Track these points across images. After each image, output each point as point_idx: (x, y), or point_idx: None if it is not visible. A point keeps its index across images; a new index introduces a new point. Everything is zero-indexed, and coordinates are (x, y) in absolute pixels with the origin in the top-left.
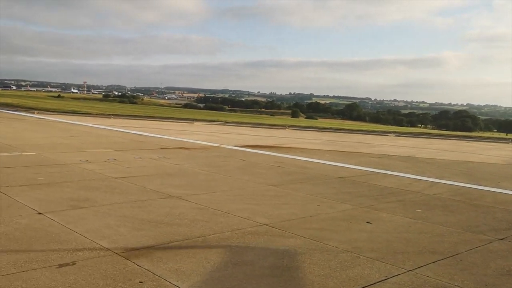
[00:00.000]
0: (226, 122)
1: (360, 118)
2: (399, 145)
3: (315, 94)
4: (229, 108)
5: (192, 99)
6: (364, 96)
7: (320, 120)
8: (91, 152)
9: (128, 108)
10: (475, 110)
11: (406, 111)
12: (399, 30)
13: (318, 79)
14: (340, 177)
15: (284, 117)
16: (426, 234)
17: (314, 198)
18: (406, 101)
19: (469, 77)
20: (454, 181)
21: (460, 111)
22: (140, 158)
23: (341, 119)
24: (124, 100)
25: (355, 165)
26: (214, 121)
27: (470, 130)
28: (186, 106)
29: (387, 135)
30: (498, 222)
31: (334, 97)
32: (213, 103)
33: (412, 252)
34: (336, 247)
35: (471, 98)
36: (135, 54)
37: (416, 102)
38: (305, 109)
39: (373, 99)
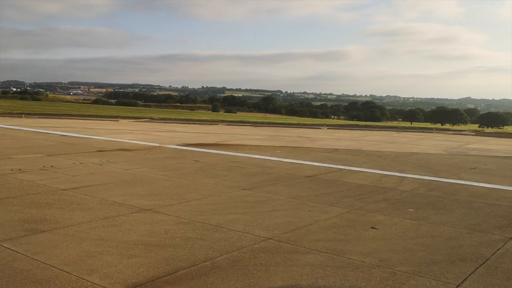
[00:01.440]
0: (152, 119)
1: (276, 111)
2: (339, 138)
3: (227, 87)
4: (143, 103)
5: (100, 94)
6: (275, 89)
7: (240, 113)
8: (19, 159)
9: (36, 105)
10: (377, 100)
11: (317, 103)
12: (307, 25)
13: (231, 72)
14: (308, 176)
15: (202, 111)
16: (439, 238)
17: (298, 202)
18: (315, 93)
19: (371, 69)
20: (418, 175)
21: (367, 102)
22: (81, 163)
23: (258, 112)
24: (26, 97)
25: (312, 161)
26: (139, 118)
27: (379, 120)
28: (96, 102)
29: (321, 128)
30: (494, 219)
31: (246, 90)
32: (125, 99)
33: (442, 261)
34: (362, 261)
35: (373, 89)
36: (35, 47)
37: (325, 94)
38: (221, 102)
39: (284, 91)
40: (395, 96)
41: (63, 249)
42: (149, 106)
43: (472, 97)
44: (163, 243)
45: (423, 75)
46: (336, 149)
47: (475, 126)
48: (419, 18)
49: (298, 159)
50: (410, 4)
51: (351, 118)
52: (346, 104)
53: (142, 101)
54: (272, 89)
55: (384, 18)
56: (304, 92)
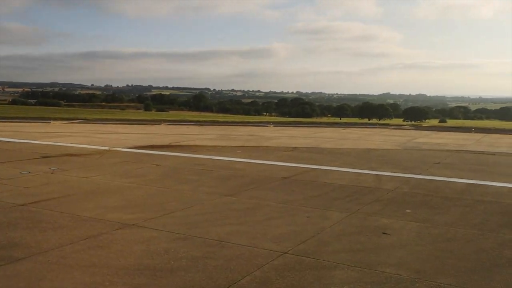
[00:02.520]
0: (87, 120)
1: (207, 108)
2: (291, 136)
3: (154, 85)
4: (66, 103)
5: (16, 94)
6: (203, 87)
7: (172, 112)
8: None
9: None
10: (304, 97)
11: (247, 100)
12: (234, 22)
13: (157, 70)
14: (284, 177)
15: (132, 110)
16: (457, 241)
17: (291, 208)
18: (244, 90)
19: (297, 66)
20: (391, 172)
21: (296, 99)
22: (29, 172)
23: (190, 110)
24: None
25: (279, 161)
26: (72, 119)
27: (309, 116)
28: (14, 102)
29: (267, 126)
30: (493, 216)
31: (173, 88)
32: (46, 98)
33: (479, 269)
34: (399, 274)
35: (299, 86)
36: None
37: (253, 91)
38: (150, 101)
39: (212, 89)
40: (320, 93)
41: (53, 281)
42: (73, 106)
43: (391, 93)
44: (170, 266)
45: (346, 72)
46: (295, 147)
47: (400, 120)
48: (342, 17)
49: (264, 160)
50: (332, 3)
51: (283, 115)
52: (276, 100)
53: (64, 100)
54: (200, 87)
55: (308, 16)
56: (232, 90)
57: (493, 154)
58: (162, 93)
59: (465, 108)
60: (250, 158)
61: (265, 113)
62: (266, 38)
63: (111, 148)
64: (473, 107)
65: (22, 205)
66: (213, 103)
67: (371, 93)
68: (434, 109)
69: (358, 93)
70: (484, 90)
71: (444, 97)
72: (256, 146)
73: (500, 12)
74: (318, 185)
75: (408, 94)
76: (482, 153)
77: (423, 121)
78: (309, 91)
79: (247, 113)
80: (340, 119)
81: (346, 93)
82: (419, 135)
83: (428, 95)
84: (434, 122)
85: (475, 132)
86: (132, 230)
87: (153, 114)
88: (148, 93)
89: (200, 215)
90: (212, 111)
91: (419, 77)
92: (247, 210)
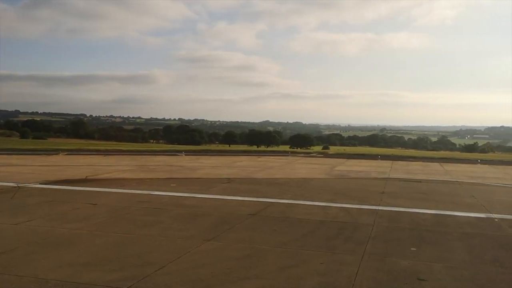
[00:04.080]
0: None
1: (88, 136)
2: (213, 166)
3: (21, 110)
4: None
5: None
6: (78, 112)
7: (52, 139)
8: None
9: None
10: (187, 124)
11: (129, 127)
12: (113, 47)
13: (25, 94)
14: (251, 214)
15: (7, 138)
16: (500, 284)
17: (294, 252)
18: (123, 116)
19: (179, 93)
20: (351, 204)
21: (183, 126)
22: None
23: (68, 137)
24: None
25: (226, 195)
26: None
27: (198, 143)
28: None
29: (180, 155)
30: (496, 251)
31: (44, 113)
32: None
33: None
34: None
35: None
36: None
37: (133, 117)
38: (19, 128)
39: (88, 115)
40: (203, 120)
41: None
42: None
43: (270, 120)
44: None
45: (227, 100)
46: (228, 178)
47: (287, 147)
48: (222, 46)
49: (208, 194)
50: (214, 33)
51: (171, 142)
52: (161, 127)
53: None
54: (75, 113)
55: (190, 45)
56: (111, 116)
57: (419, 181)
58: (35, 119)
59: (339, 135)
60: (192, 192)
61: (152, 140)
62: (148, 64)
63: (20, 184)
64: (344, 134)
65: None
66: (93, 130)
67: (252, 120)
68: (313, 136)
69: (239, 120)
70: (352, 119)
71: (318, 125)
72: (186, 178)
73: (364, 50)
74: (294, 222)
75: (286, 122)
76: (409, 180)
77: (309, 147)
78: (192, 118)
79: (133, 140)
80: (229, 146)
81: (228, 120)
82: (334, 163)
83: (303, 123)
84: (318, 148)
85: (382, 160)
86: None
87: (38, 143)
88: (15, 119)
89: (201, 268)
90: (94, 138)
91: (295, 106)
92: (249, 259)
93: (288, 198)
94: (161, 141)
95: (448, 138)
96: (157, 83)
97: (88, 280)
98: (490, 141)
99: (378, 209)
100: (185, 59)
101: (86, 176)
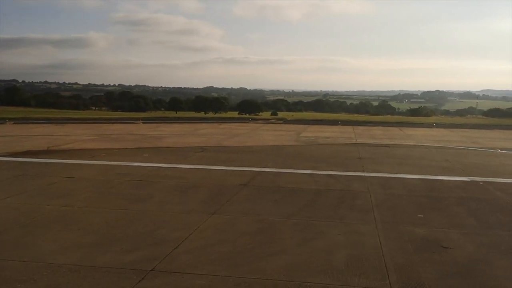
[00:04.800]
0: None
1: (24, 103)
2: (179, 134)
3: None
4: None
5: None
6: (10, 78)
7: None
8: None
9: None
10: (127, 90)
11: (67, 93)
12: (45, 8)
13: None
14: (243, 185)
15: None
16: None
17: (305, 224)
18: (59, 82)
19: (119, 58)
20: (336, 171)
21: (126, 92)
22: None
23: (1, 105)
24: None
25: (206, 164)
26: None
27: (143, 110)
28: None
29: (137, 123)
30: (500, 213)
31: None
32: None
33: None
34: None
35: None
36: None
37: (69, 83)
38: None
39: (21, 81)
40: (144, 86)
41: None
42: None
43: (214, 86)
44: None
45: (169, 65)
46: (201, 147)
47: (235, 113)
48: (164, 9)
49: (186, 164)
50: None
51: (114, 109)
52: (101, 94)
53: None
54: (6, 79)
55: (130, 7)
56: (46, 82)
57: (388, 146)
58: None
59: (285, 101)
60: (169, 163)
61: (93, 107)
62: (84, 27)
63: None
64: (289, 100)
65: None
66: (29, 96)
67: (195, 86)
68: (260, 102)
69: (182, 86)
70: (295, 84)
71: (262, 90)
72: (156, 147)
73: (307, 15)
74: (290, 191)
75: (230, 87)
76: (378, 145)
77: (257, 114)
78: (133, 84)
79: (74, 107)
80: (176, 112)
81: (171, 86)
82: (298, 129)
83: (248, 88)
84: (267, 114)
85: (342, 125)
86: (164, 281)
87: None
88: None
89: (220, 246)
90: (31, 105)
91: (238, 71)
92: (263, 233)
93: (271, 166)
94: (103, 108)
95: (389, 103)
96: (94, 47)
97: (104, 263)
98: (427, 105)
99: (364, 175)
100: (124, 21)
101: (48, 147)
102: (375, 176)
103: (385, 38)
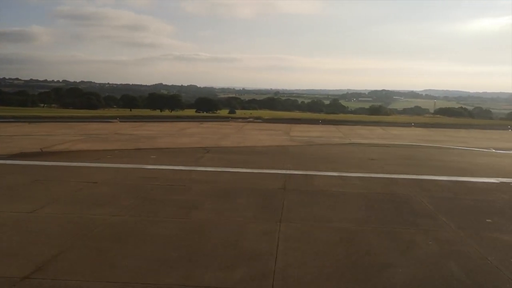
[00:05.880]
0: None
1: None
2: (169, 134)
3: None
4: None
5: None
6: None
7: None
8: None
9: None
10: (72, 86)
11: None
12: None
13: None
14: (281, 188)
15: None
16: None
17: (388, 232)
18: None
19: (63, 53)
20: (363, 173)
21: (75, 89)
22: None
23: None
24: None
25: (227, 167)
26: None
27: (96, 107)
28: None
29: (113, 122)
30: None
31: None
32: None
33: None
34: None
35: (66, 74)
36: None
37: (10, 79)
38: None
39: None
40: (91, 82)
41: None
42: None
43: (164, 83)
44: None
45: (117, 61)
46: (203, 147)
47: (193, 111)
48: (111, 4)
49: (200, 166)
50: None
51: (65, 106)
52: (46, 90)
53: None
54: None
55: (76, 1)
56: None
57: (388, 146)
58: None
59: (239, 99)
60: (185, 165)
61: (42, 104)
62: (25, 20)
63: None
64: (242, 98)
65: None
66: None
67: (144, 83)
68: (217, 100)
69: (130, 83)
70: (246, 82)
71: (213, 88)
72: (155, 148)
73: (258, 13)
74: (335, 195)
75: (180, 85)
76: (377, 145)
77: (215, 112)
78: (78, 80)
79: (22, 104)
80: (131, 110)
81: (118, 82)
82: (282, 128)
83: (198, 86)
84: (225, 112)
85: (324, 124)
86: None
87: None
88: None
89: (318, 259)
90: None
91: (188, 68)
92: (350, 242)
93: (292, 168)
94: (53, 105)
95: (339, 101)
96: (37, 41)
97: (216, 282)
98: (374, 103)
99: (395, 177)
100: (70, 15)
101: (41, 149)
102: (406, 178)
103: (334, 38)
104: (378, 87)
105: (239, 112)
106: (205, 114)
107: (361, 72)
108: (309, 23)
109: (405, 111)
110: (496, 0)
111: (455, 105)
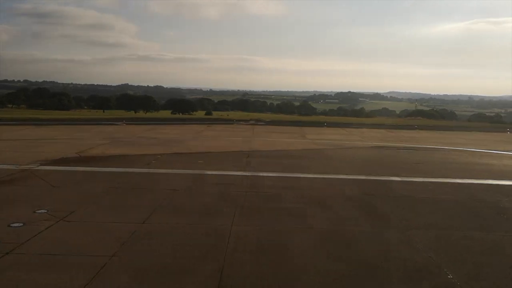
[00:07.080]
0: None
1: None
2: (193, 137)
3: None
4: None
5: None
6: None
7: None
8: None
9: None
10: (35, 86)
11: None
12: None
13: None
14: (369, 194)
15: None
16: None
17: (505, 239)
18: None
19: (22, 52)
20: (424, 178)
21: (43, 89)
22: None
23: None
24: None
25: (287, 172)
26: None
27: (67, 108)
28: None
29: (119, 124)
30: None
31: None
32: None
33: None
34: None
35: (27, 74)
36: None
37: None
38: None
39: None
40: (53, 82)
41: None
42: None
43: (130, 84)
44: None
45: (79, 61)
46: (246, 151)
47: (168, 112)
48: (74, 2)
49: (265, 171)
50: None
51: (36, 107)
52: (12, 91)
53: None
54: None
55: None
56: None
57: (415, 149)
58: None
59: (210, 100)
60: (245, 171)
61: (10, 105)
62: None
63: (20, 167)
64: (212, 99)
65: None
66: None
67: (109, 83)
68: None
69: (95, 83)
70: (213, 83)
71: (179, 88)
72: (196, 153)
73: (224, 14)
74: (428, 202)
75: (146, 85)
76: (405, 148)
77: (191, 113)
78: (40, 80)
79: None
80: (104, 111)
81: (82, 83)
82: (294, 131)
83: (165, 86)
84: (201, 114)
85: (328, 127)
86: None
87: None
88: None
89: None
90: None
91: (154, 69)
92: (493, 250)
93: (350, 173)
94: (22, 106)
95: (309, 102)
96: None
97: None
98: (341, 105)
99: (463, 183)
100: (30, 13)
101: (78, 154)
102: (471, 183)
103: (299, 40)
104: (344, 88)
105: (215, 114)
106: (181, 116)
107: (326, 73)
108: (274, 24)
109: (372, 113)
110: (456, 6)
111: (423, 107)
